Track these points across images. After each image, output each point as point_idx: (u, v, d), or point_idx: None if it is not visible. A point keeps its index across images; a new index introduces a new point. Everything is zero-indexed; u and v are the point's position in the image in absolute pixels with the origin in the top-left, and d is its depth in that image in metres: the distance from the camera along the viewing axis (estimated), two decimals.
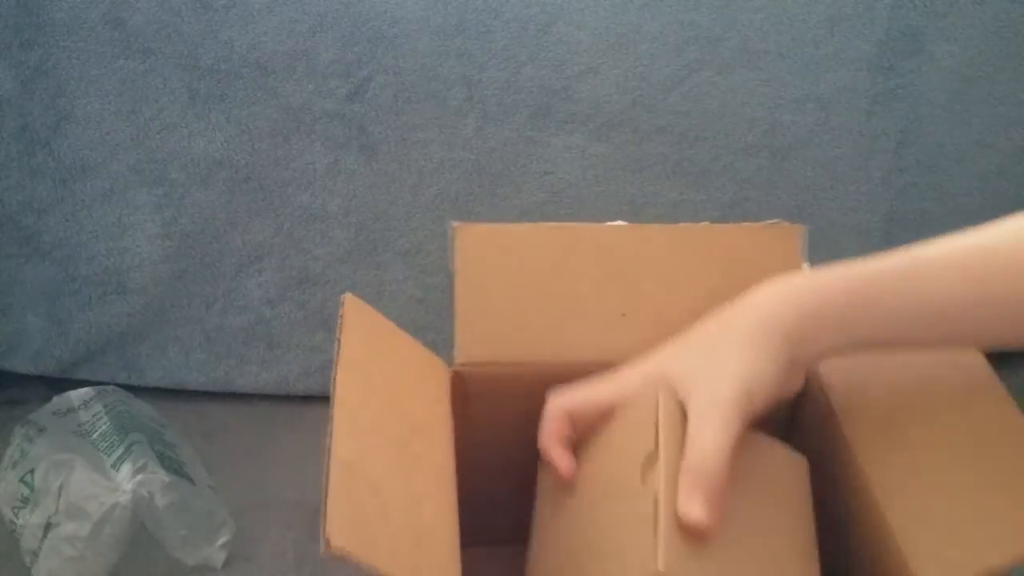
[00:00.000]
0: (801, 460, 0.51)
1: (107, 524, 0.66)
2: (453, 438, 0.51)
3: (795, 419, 0.58)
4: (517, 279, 0.56)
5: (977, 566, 0.43)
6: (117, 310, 0.87)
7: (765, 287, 0.48)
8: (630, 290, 0.56)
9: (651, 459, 0.45)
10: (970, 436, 0.48)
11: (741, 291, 0.49)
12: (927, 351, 0.51)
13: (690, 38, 0.82)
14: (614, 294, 0.56)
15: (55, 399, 0.78)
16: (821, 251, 0.56)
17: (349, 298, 0.52)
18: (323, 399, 0.45)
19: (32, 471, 0.70)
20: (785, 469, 0.51)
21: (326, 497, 0.40)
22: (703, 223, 0.58)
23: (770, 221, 0.57)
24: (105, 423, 0.74)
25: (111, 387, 0.80)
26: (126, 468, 0.68)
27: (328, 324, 0.87)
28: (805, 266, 0.56)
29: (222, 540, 0.72)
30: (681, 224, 0.57)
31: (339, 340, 0.48)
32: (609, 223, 0.58)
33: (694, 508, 0.43)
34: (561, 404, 0.51)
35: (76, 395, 0.78)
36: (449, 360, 0.56)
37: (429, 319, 0.87)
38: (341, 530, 0.39)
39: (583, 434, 0.51)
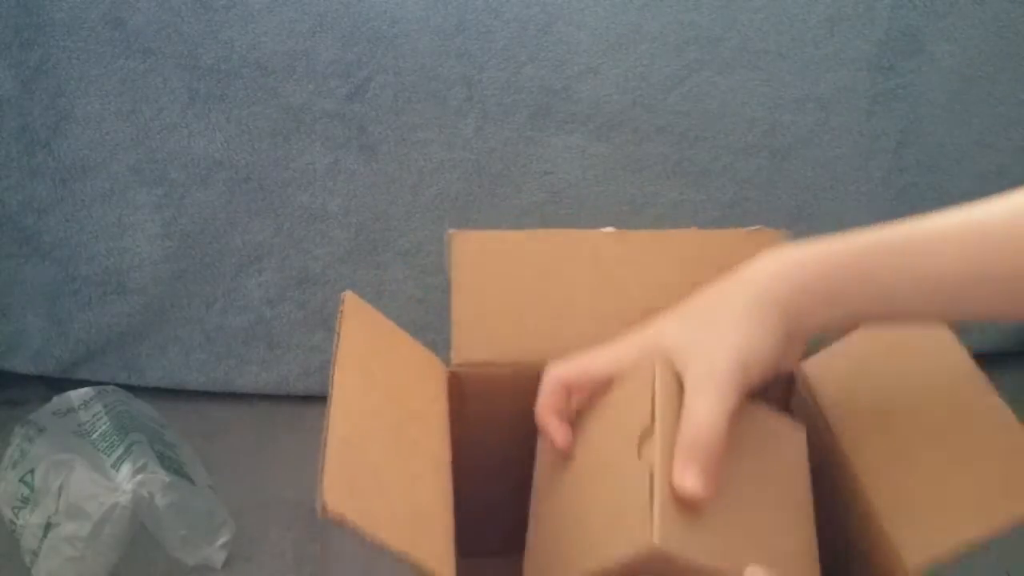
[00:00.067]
0: (800, 429, 0.52)
1: (107, 524, 0.66)
2: (449, 431, 0.52)
3: (786, 411, 0.59)
4: (511, 283, 0.57)
5: (953, 540, 0.45)
6: (117, 310, 0.87)
7: (762, 259, 0.48)
8: (620, 293, 0.58)
9: (647, 431, 0.45)
10: (950, 422, 0.50)
11: None
12: (916, 349, 0.53)
13: (690, 38, 0.82)
14: (604, 297, 0.58)
15: (55, 399, 0.78)
16: None
17: (349, 296, 0.52)
18: (323, 399, 0.45)
19: (32, 471, 0.70)
20: (783, 439, 0.51)
21: (323, 467, 0.40)
22: (691, 228, 0.60)
23: (753, 228, 0.59)
24: (105, 423, 0.74)
25: (111, 387, 0.80)
26: (126, 468, 0.68)
27: (328, 324, 0.87)
28: None
29: (222, 540, 0.72)
30: (669, 230, 0.60)
31: (338, 336, 0.49)
32: (600, 230, 0.60)
33: (689, 479, 0.43)
34: (558, 375, 0.51)
35: (76, 395, 0.78)
36: (447, 361, 0.56)
37: (429, 319, 0.87)
38: (338, 496, 0.39)
39: (580, 405, 0.52)
